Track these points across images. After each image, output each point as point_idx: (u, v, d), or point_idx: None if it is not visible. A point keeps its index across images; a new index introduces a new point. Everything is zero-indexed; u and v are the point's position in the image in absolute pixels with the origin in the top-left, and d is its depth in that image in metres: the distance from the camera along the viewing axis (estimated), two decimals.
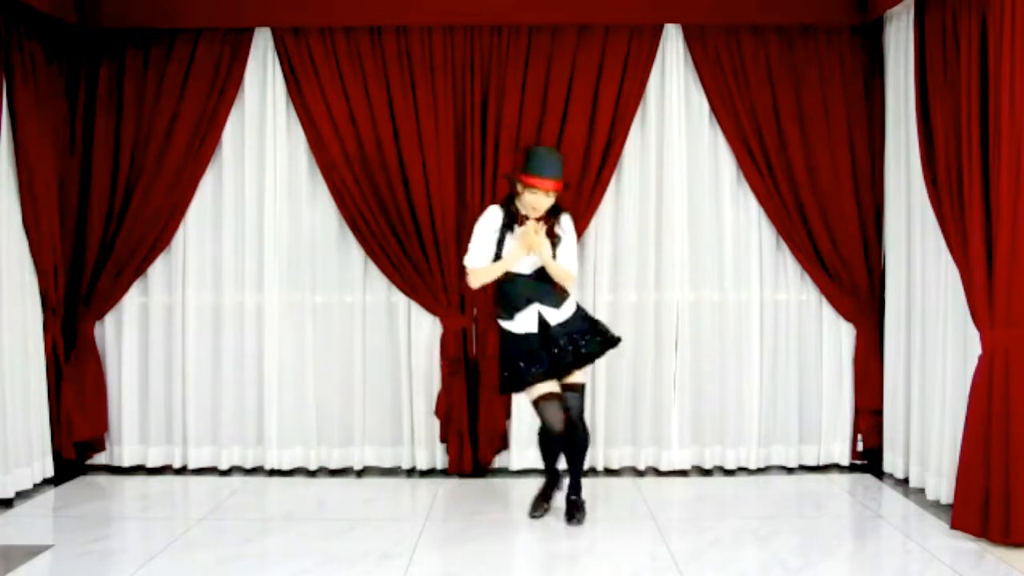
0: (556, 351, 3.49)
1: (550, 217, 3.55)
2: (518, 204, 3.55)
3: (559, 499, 3.72)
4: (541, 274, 3.55)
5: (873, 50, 4.34)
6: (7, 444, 3.84)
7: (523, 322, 3.55)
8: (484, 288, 3.73)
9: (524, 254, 3.50)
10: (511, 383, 3.57)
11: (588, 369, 3.69)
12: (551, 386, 3.48)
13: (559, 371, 3.52)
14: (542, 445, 3.75)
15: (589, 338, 3.56)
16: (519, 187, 3.51)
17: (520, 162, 3.60)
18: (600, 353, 3.61)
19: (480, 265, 3.56)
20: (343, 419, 4.43)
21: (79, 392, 4.27)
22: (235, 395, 4.42)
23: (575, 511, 3.61)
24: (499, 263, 3.54)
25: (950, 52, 3.55)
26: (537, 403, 3.49)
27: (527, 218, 3.51)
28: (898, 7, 4.05)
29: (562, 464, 3.71)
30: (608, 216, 4.39)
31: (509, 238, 3.54)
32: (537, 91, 4.26)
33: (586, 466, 4.29)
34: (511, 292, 3.57)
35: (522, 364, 3.49)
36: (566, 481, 3.70)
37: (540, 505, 3.73)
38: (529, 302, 3.54)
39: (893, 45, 4.21)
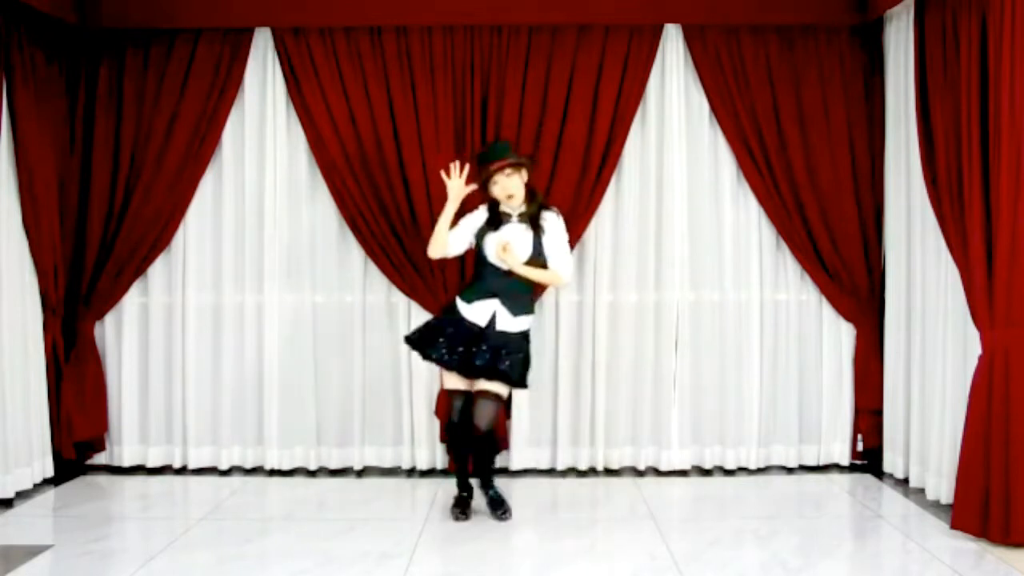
0: (473, 349, 3.52)
1: (533, 208, 3.63)
2: (501, 209, 3.67)
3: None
4: (515, 274, 3.60)
5: (873, 50, 4.33)
6: (7, 444, 3.84)
7: (476, 311, 3.60)
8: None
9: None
10: (419, 343, 3.66)
11: (503, 386, 3.60)
12: (461, 383, 3.60)
13: (465, 370, 3.56)
14: (449, 440, 3.76)
15: (514, 359, 3.54)
16: (488, 187, 3.64)
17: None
18: (513, 381, 3.56)
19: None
20: (343, 419, 4.43)
21: (79, 392, 4.27)
22: (235, 395, 4.42)
23: (496, 507, 3.64)
24: (441, 227, 3.67)
25: (950, 52, 3.55)
26: (447, 392, 3.64)
27: (509, 216, 3.63)
28: (898, 7, 4.05)
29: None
30: (608, 216, 4.38)
31: (490, 237, 3.62)
32: (537, 91, 4.26)
33: (585, 466, 4.34)
34: (481, 281, 3.65)
35: (441, 340, 3.57)
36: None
37: (461, 506, 3.69)
38: (491, 296, 3.59)
39: (893, 45, 4.21)
